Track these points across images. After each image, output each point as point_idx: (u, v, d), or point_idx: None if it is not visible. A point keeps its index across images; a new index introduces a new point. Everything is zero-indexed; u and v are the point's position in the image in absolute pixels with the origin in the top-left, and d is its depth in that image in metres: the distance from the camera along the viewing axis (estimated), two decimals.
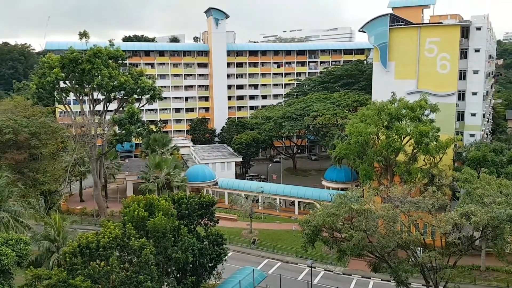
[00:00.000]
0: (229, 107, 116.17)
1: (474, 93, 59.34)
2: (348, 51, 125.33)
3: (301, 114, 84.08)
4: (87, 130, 62.66)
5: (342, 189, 62.69)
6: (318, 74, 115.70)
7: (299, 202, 69.67)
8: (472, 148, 55.06)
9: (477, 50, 58.81)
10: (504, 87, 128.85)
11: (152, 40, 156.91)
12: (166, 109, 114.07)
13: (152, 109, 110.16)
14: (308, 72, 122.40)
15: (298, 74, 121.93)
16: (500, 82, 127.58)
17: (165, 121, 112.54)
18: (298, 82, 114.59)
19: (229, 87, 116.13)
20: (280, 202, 71.44)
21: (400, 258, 39.01)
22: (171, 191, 63.52)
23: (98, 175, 67.09)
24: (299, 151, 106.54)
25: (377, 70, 63.04)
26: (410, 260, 37.81)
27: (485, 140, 63.92)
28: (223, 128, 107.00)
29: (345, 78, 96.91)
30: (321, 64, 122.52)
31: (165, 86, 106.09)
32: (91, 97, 65.72)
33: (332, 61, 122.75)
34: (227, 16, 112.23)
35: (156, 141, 79.09)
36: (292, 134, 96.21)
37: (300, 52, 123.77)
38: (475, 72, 59.04)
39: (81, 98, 65.70)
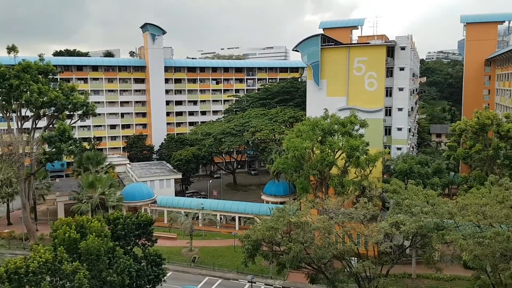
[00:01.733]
0: (168, 123, 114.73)
1: (400, 109, 63.29)
2: (283, 69, 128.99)
3: (240, 130, 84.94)
4: (14, 149, 58.99)
5: (281, 203, 63.74)
6: (256, 90, 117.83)
7: (239, 217, 69.82)
8: (399, 160, 58.52)
9: (402, 69, 63.00)
10: (428, 103, 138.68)
11: (85, 54, 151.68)
12: (100, 125, 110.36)
13: (85, 126, 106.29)
14: (246, 89, 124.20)
15: (237, 90, 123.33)
16: (424, 99, 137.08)
17: (100, 138, 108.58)
18: (237, 99, 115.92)
19: (168, 103, 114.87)
20: (220, 219, 71.17)
21: (336, 268, 40.33)
22: (106, 211, 61.20)
23: (26, 196, 63.19)
24: (239, 166, 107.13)
25: (310, 88, 65.45)
26: (346, 270, 39.15)
27: (411, 153, 68.17)
28: (162, 144, 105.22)
29: (281, 95, 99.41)
30: (259, 81, 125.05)
31: (99, 102, 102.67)
32: (19, 114, 62.26)
33: (269, 79, 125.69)
34: (164, 32, 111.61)
35: (90, 159, 75.99)
36: (232, 150, 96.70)
37: (238, 69, 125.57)
38: (400, 89, 63.09)
39: (8, 115, 62.02)
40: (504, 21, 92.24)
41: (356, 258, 40.19)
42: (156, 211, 73.48)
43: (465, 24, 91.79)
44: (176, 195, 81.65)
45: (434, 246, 39.42)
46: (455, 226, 37.34)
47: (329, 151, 52.77)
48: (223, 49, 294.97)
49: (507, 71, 78.08)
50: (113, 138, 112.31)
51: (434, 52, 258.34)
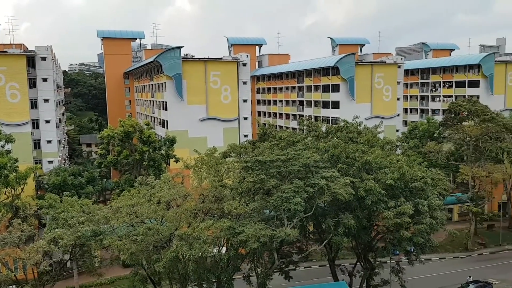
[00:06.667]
0: None
1: (48, 121, 61.78)
2: None
3: None
4: None
5: None
6: None
7: None
8: (52, 174, 57.11)
9: (45, 80, 61.61)
10: (75, 114, 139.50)
11: None
12: None
13: None
14: None
15: None
16: (70, 110, 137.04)
17: None
18: None
19: None
20: None
21: None
22: None
23: None
24: None
25: None
26: None
27: (63, 165, 67.46)
28: None
29: None
30: None
31: None
32: None
33: None
34: None
35: None
36: None
37: None
38: (46, 100, 61.64)
39: None
40: (136, 38, 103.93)
41: (14, 286, 37.01)
42: None
43: (102, 38, 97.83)
44: None
45: (94, 253, 40.84)
46: (112, 229, 39.75)
47: None
48: None
49: (142, 84, 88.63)
50: None
51: (76, 64, 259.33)
